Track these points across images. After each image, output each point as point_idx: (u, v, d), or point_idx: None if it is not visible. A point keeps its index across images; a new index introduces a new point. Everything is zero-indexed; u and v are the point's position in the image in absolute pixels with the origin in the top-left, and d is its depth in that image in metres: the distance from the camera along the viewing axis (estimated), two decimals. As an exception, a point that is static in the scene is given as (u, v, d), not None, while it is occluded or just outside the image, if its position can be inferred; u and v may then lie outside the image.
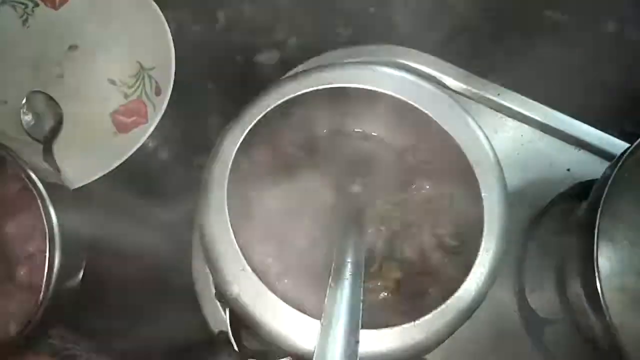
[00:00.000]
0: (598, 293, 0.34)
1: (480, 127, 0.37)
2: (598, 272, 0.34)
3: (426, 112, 0.36)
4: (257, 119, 0.34)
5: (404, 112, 0.36)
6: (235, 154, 0.34)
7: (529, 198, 0.52)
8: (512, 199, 0.51)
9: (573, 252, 0.45)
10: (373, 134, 0.40)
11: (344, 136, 0.39)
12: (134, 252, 0.52)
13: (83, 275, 0.49)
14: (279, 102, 0.35)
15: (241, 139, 0.34)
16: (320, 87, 0.35)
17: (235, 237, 0.32)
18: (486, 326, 0.49)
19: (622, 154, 0.37)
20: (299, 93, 0.35)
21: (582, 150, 0.54)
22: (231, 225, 0.33)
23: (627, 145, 0.53)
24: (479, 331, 0.48)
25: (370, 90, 0.35)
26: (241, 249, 0.32)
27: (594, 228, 0.34)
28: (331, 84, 0.35)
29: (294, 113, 0.36)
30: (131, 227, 0.54)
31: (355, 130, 0.40)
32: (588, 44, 0.62)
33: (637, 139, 0.41)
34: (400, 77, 0.36)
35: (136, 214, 0.54)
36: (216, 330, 0.39)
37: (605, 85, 0.60)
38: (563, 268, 0.47)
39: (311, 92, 0.35)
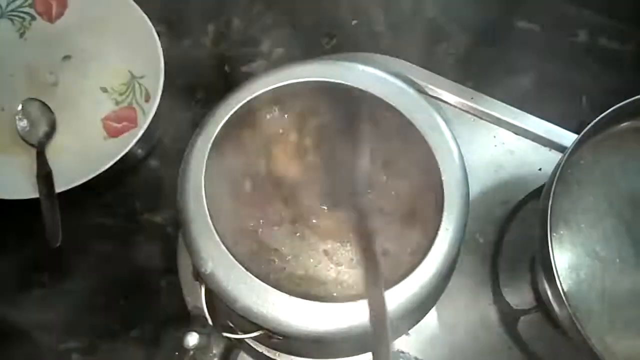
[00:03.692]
0: (554, 275, 0.36)
1: (439, 113, 0.39)
2: (552, 252, 0.35)
3: (388, 101, 0.38)
4: (235, 108, 0.37)
5: (367, 104, 0.38)
6: (213, 142, 0.36)
7: (502, 196, 0.54)
8: (486, 197, 0.54)
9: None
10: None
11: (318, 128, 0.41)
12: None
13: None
14: (255, 94, 0.37)
15: (218, 129, 0.36)
16: (282, 84, 0.37)
17: (211, 218, 0.34)
18: (462, 319, 0.50)
19: (574, 141, 0.39)
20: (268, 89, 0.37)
21: (553, 151, 0.56)
22: (207, 207, 0.35)
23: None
24: (455, 324, 0.50)
25: (335, 83, 0.37)
26: (216, 229, 0.34)
27: (547, 212, 0.36)
28: (294, 79, 0.37)
29: (265, 102, 0.38)
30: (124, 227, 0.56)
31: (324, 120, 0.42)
32: (560, 52, 0.65)
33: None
34: (364, 71, 0.39)
35: (128, 215, 0.57)
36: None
37: (577, 90, 0.62)
38: (534, 261, 0.49)
39: (274, 88, 0.37)
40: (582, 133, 0.39)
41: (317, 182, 0.38)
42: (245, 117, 0.39)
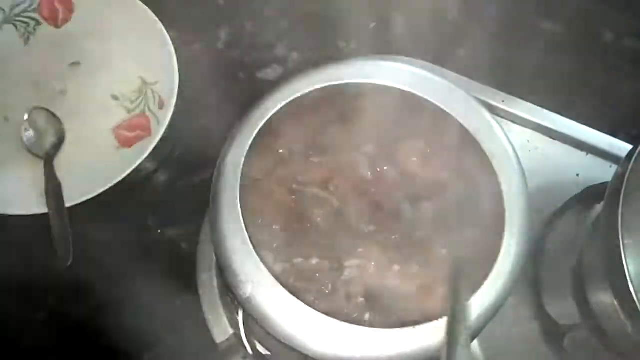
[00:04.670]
0: (629, 289, 0.33)
1: (494, 117, 0.37)
2: (627, 264, 0.32)
3: (438, 104, 0.35)
4: (269, 116, 0.34)
5: (414, 107, 0.36)
6: (247, 152, 0.33)
7: (539, 204, 0.51)
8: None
9: (593, 254, 0.44)
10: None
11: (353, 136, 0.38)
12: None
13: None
14: (292, 98, 0.34)
15: (254, 135, 0.33)
16: (322, 85, 0.34)
17: (249, 235, 0.31)
18: (504, 335, 0.47)
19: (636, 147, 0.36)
20: (307, 91, 0.34)
21: (590, 155, 0.54)
22: (245, 222, 0.31)
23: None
24: (496, 340, 0.47)
25: (380, 85, 0.35)
26: (255, 247, 0.31)
27: (617, 223, 0.33)
28: (335, 81, 0.34)
29: (303, 111, 0.36)
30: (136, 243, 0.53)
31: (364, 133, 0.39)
32: (586, 53, 0.63)
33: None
34: (408, 71, 0.36)
35: (140, 230, 0.54)
36: (224, 339, 0.37)
37: (607, 91, 0.60)
38: (581, 272, 0.46)
39: (314, 90, 0.34)
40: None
41: (363, 197, 0.35)
42: (283, 122, 0.35)
